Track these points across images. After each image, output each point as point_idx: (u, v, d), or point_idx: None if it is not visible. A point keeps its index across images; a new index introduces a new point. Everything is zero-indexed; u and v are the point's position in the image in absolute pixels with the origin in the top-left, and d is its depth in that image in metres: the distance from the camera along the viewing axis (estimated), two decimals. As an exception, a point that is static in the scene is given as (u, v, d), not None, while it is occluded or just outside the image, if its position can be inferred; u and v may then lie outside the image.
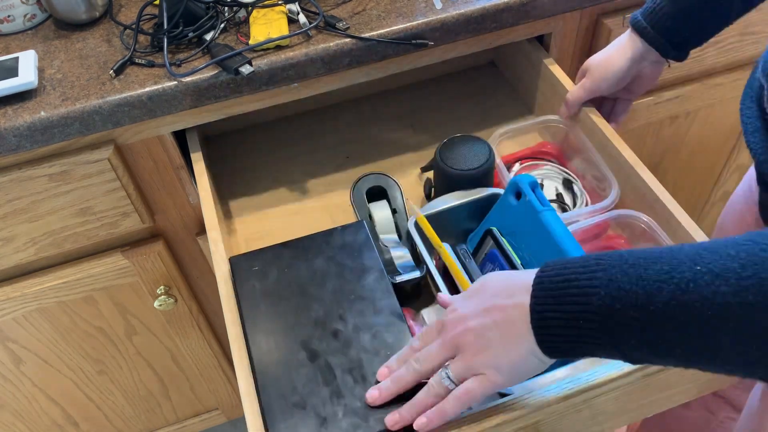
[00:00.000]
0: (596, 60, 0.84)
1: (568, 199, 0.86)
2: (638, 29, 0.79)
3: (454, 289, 0.72)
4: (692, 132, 1.25)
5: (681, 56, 0.80)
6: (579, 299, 0.46)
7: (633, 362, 0.48)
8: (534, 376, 0.55)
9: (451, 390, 0.55)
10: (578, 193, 0.86)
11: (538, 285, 0.50)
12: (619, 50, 0.81)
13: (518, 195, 0.72)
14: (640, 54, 0.80)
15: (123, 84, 0.79)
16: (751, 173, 0.86)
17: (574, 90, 0.86)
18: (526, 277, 0.51)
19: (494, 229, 0.74)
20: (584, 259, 0.48)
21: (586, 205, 0.84)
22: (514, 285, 0.52)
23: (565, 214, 0.78)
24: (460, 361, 0.55)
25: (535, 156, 0.92)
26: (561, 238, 0.66)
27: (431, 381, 0.56)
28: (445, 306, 0.62)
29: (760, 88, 0.67)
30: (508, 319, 0.51)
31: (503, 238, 0.73)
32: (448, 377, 0.55)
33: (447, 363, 0.56)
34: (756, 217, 0.80)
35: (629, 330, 0.45)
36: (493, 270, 0.73)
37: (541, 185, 0.86)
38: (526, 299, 0.50)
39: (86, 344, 1.10)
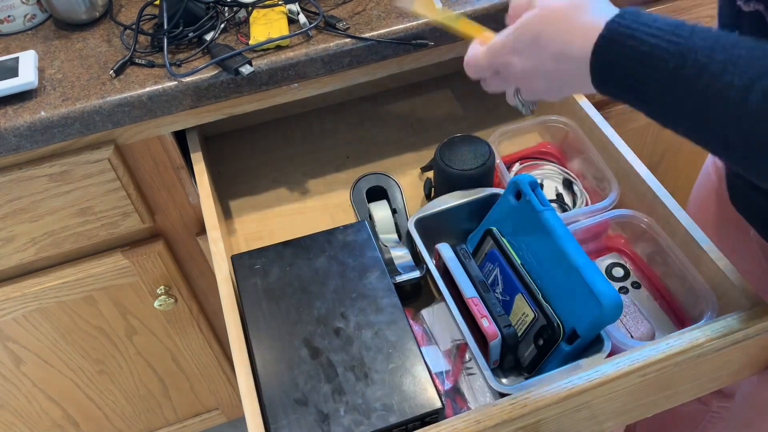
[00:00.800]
0: None
1: (568, 199, 0.86)
2: None
3: (454, 288, 0.72)
4: (692, 132, 1.25)
5: None
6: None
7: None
8: None
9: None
10: (578, 193, 0.86)
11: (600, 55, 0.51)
12: None
13: (518, 195, 0.72)
14: None
15: (123, 84, 0.79)
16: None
17: None
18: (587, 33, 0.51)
19: (494, 229, 0.74)
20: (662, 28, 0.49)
21: (586, 205, 0.84)
22: (573, 37, 0.52)
23: (565, 214, 0.79)
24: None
25: (535, 156, 0.92)
26: (561, 238, 0.66)
27: None
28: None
29: None
30: (564, 78, 0.55)
31: (503, 238, 0.73)
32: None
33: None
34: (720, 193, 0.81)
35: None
36: (492, 270, 0.73)
37: (541, 185, 0.86)
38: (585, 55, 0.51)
39: (86, 344, 1.10)
